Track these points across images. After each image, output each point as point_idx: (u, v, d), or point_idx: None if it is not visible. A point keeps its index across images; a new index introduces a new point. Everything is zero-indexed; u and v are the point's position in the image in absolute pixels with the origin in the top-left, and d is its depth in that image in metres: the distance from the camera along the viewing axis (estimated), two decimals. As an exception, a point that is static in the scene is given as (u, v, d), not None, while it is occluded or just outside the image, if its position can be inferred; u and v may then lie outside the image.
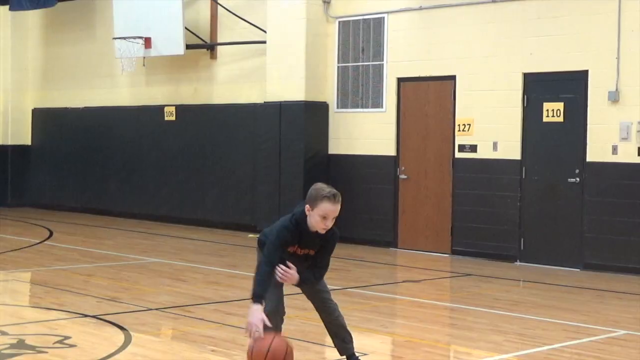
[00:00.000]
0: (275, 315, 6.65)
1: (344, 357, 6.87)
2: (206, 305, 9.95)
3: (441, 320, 9.21)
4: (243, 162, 17.33)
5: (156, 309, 9.64)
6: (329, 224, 6.34)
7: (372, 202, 15.48)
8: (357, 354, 6.85)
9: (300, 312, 9.69)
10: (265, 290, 6.28)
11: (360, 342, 8.17)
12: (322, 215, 6.30)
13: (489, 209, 14.05)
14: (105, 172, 20.19)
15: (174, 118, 18.66)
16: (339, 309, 6.82)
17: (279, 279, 6.42)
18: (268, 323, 6.19)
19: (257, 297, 6.22)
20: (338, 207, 6.35)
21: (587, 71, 13.10)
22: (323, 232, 6.38)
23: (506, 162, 13.91)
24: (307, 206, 6.38)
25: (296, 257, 6.50)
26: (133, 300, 10.13)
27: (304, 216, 6.42)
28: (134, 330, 8.53)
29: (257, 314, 6.16)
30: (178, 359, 7.54)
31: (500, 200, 13.96)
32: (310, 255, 6.53)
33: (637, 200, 12.66)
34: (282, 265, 6.36)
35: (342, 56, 15.94)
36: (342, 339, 6.82)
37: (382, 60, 15.37)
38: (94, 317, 9.14)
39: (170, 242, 15.93)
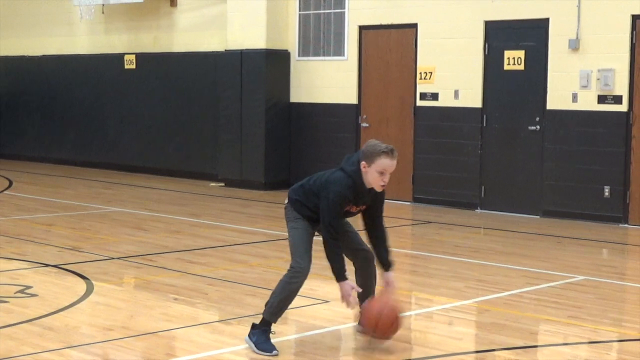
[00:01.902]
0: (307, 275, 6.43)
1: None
2: (168, 254, 9.96)
3: (402, 267, 9.28)
4: (204, 110, 17.24)
5: (118, 258, 9.63)
6: (387, 179, 6.23)
7: (334, 151, 15.48)
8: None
9: (262, 261, 9.74)
10: (343, 264, 6.24)
11: (322, 289, 8.24)
12: (380, 171, 6.17)
13: (450, 157, 14.12)
14: (65, 121, 20.01)
15: (134, 66, 18.49)
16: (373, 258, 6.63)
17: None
18: (358, 289, 6.28)
19: (340, 277, 6.23)
20: (395, 162, 6.24)
21: (548, 19, 13.12)
22: (381, 189, 6.27)
23: (467, 110, 13.95)
24: (363, 163, 6.22)
25: (347, 215, 6.41)
26: (95, 250, 10.11)
27: (359, 173, 6.25)
28: (96, 279, 8.52)
29: (345, 287, 6.22)
30: (140, 307, 7.55)
31: (461, 148, 14.02)
32: (361, 210, 6.43)
33: (596, 148, 12.78)
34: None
35: (304, 4, 15.83)
36: (372, 295, 6.62)
37: (344, 8, 15.30)
38: (55, 266, 9.11)
39: (131, 192, 15.87)
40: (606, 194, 12.72)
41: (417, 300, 8.09)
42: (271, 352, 6.20)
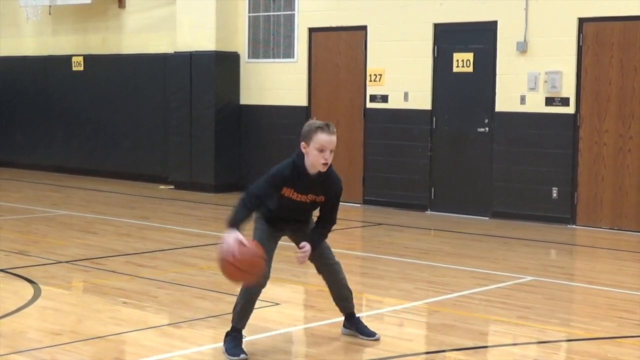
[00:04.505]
0: (265, 281, 6.30)
1: (345, 315, 6.73)
2: (117, 258, 9.87)
3: (353, 269, 9.29)
4: (154, 113, 17.13)
5: (66, 262, 9.53)
6: (328, 157, 6.05)
7: (284, 153, 15.30)
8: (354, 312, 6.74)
9: (212, 263, 9.69)
10: (241, 223, 5.98)
11: (272, 292, 8.21)
12: (318, 148, 6.03)
13: (400, 159, 14.16)
14: (11, 123, 19.76)
15: (82, 68, 18.32)
16: (341, 268, 6.61)
17: (299, 262, 6.32)
18: (245, 242, 5.90)
19: (231, 225, 5.95)
20: (334, 138, 6.08)
21: (496, 22, 13.23)
22: (324, 168, 6.09)
23: (417, 112, 14.01)
24: (302, 144, 6.11)
25: (294, 205, 6.22)
26: (42, 254, 9.99)
27: (301, 156, 6.13)
28: (44, 283, 8.42)
29: (232, 234, 5.89)
30: (89, 311, 7.48)
31: (411, 150, 14.08)
32: (310, 203, 6.25)
33: (544, 149, 12.90)
34: (298, 249, 6.18)
35: (253, 6, 15.80)
36: (345, 299, 6.66)
37: (293, 10, 15.29)
38: (1, 270, 8.99)
39: (80, 195, 15.72)
40: (554, 195, 12.85)
41: (367, 302, 8.10)
42: (238, 356, 6.14)
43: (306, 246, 6.27)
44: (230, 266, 5.91)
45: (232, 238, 5.89)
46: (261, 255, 5.95)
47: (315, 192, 6.22)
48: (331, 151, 6.10)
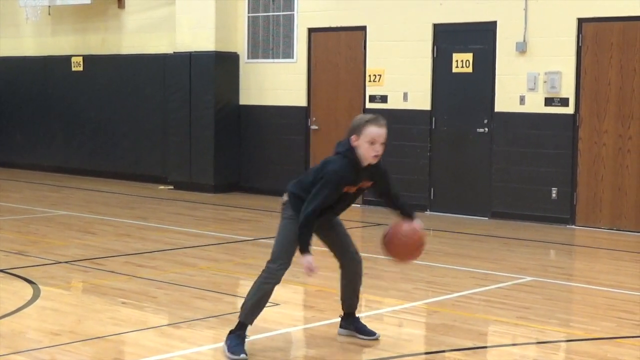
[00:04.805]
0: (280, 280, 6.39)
1: (347, 313, 6.71)
2: (117, 258, 9.87)
3: (352, 269, 9.28)
4: (153, 113, 17.13)
5: (65, 262, 9.53)
6: (379, 149, 6.10)
7: (283, 153, 15.47)
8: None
9: (211, 264, 9.70)
10: (310, 239, 6.13)
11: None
12: (369, 141, 6.07)
13: (400, 160, 14.15)
14: (11, 124, 19.76)
15: (81, 69, 18.32)
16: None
17: (420, 227, 6.36)
18: (314, 265, 6.09)
19: (304, 251, 6.10)
20: (384, 130, 6.13)
21: (495, 22, 13.23)
22: (375, 160, 6.13)
23: (416, 112, 14.01)
24: (352, 137, 6.13)
25: (346, 197, 6.28)
26: (41, 254, 9.99)
27: (352, 150, 6.14)
28: (43, 283, 8.42)
29: (305, 262, 6.08)
30: (88, 311, 7.48)
31: (410, 150, 14.08)
32: (358, 191, 6.30)
33: (543, 150, 12.91)
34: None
35: (253, 6, 15.80)
36: (356, 295, 6.64)
37: (293, 10, 15.29)
38: (1, 271, 8.99)
39: (79, 195, 15.72)
40: (553, 195, 12.85)
41: (367, 303, 8.09)
42: (238, 355, 6.13)
43: (415, 221, 6.46)
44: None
45: (311, 259, 6.10)
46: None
47: (363, 180, 6.29)
48: (382, 144, 6.14)
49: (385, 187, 6.46)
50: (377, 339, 6.62)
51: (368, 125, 6.11)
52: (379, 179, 6.38)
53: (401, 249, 6.45)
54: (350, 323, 6.73)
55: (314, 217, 6.13)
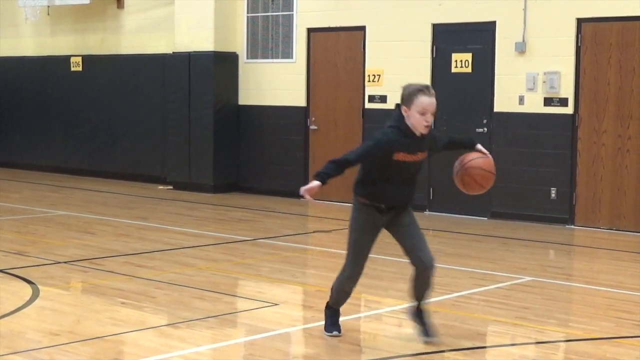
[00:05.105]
0: (357, 281, 6.59)
1: (416, 304, 6.67)
2: (116, 258, 9.87)
3: (351, 269, 9.28)
4: (152, 113, 17.12)
5: (65, 262, 9.53)
6: (430, 119, 6.18)
7: (283, 153, 15.47)
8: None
9: (210, 264, 9.69)
10: (331, 176, 6.20)
11: (271, 292, 8.24)
12: (420, 111, 6.14)
13: (399, 159, 14.14)
14: (10, 124, 19.75)
15: (80, 69, 18.31)
16: (434, 263, 6.54)
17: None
18: (312, 192, 6.18)
19: (318, 176, 6.20)
20: (434, 99, 6.20)
21: (494, 22, 13.23)
22: (426, 130, 6.20)
23: (415, 112, 13.98)
24: (403, 108, 6.19)
25: (406, 168, 6.29)
26: (40, 254, 9.99)
27: (402, 119, 6.21)
28: (42, 283, 8.42)
29: (314, 185, 6.19)
30: (87, 312, 7.47)
31: (410, 150, 14.04)
32: (419, 162, 6.33)
33: (543, 150, 12.91)
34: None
35: (252, 6, 15.80)
36: (425, 291, 6.60)
37: (292, 11, 15.29)
38: (0, 271, 8.98)
39: (78, 195, 15.72)
40: (552, 195, 12.85)
41: (366, 303, 8.09)
42: (331, 332, 6.62)
43: (482, 150, 6.70)
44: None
45: (317, 187, 6.19)
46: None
47: (422, 149, 6.33)
48: (432, 113, 6.21)
49: (441, 145, 6.67)
50: (433, 341, 6.53)
51: (419, 95, 6.18)
52: (433, 145, 6.53)
53: (481, 180, 6.71)
54: (417, 316, 6.68)
55: (346, 162, 6.22)
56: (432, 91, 6.25)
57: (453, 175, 6.61)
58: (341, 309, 6.82)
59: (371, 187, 6.41)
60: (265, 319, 7.31)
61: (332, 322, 6.69)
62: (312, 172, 15.16)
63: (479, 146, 6.71)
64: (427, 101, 6.18)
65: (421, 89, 6.20)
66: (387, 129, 6.25)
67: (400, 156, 6.20)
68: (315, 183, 6.15)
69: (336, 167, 6.21)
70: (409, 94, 6.20)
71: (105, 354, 6.26)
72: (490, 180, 6.69)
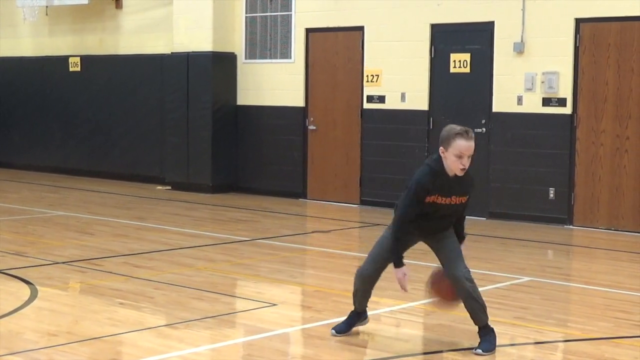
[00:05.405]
0: (370, 281, 6.77)
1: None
2: (114, 258, 9.86)
3: (350, 270, 9.26)
4: (150, 113, 17.12)
5: (63, 263, 9.52)
6: (466, 162, 6.23)
7: (281, 153, 15.46)
8: (489, 326, 6.50)
9: (209, 264, 9.69)
10: (401, 253, 6.44)
11: (269, 293, 8.23)
12: (457, 154, 6.19)
13: (397, 160, 14.16)
14: (8, 124, 19.74)
15: (79, 69, 18.31)
16: (469, 274, 6.49)
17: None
18: (407, 275, 6.46)
19: (397, 265, 6.43)
20: (472, 143, 6.23)
21: (493, 22, 13.23)
22: (461, 173, 6.25)
23: (414, 112, 14.01)
24: (441, 149, 6.25)
25: (437, 210, 6.32)
26: (39, 254, 9.98)
27: (439, 160, 6.27)
28: (40, 284, 8.41)
29: (398, 273, 6.43)
30: (86, 312, 7.47)
31: (408, 150, 14.07)
32: (454, 205, 6.36)
33: (541, 150, 12.91)
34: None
35: (250, 6, 15.80)
36: (471, 309, 6.47)
37: (290, 11, 15.29)
38: (-2, 271, 8.99)
39: (76, 195, 15.71)
40: (551, 195, 12.85)
41: (364, 303, 8.09)
42: (335, 329, 6.73)
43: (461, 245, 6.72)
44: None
45: (401, 273, 6.44)
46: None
47: (456, 192, 6.36)
48: (469, 157, 6.24)
49: (465, 205, 6.59)
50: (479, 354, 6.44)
51: (457, 138, 6.21)
52: (469, 195, 6.53)
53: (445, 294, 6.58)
54: (480, 335, 6.54)
55: (401, 228, 6.33)
56: (472, 134, 6.27)
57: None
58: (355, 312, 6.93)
59: (409, 224, 6.44)
60: (264, 319, 7.30)
61: (343, 322, 6.81)
62: (311, 173, 15.16)
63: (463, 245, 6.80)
64: (465, 144, 6.22)
65: (460, 133, 6.23)
66: (423, 170, 6.33)
67: (431, 199, 6.28)
68: (398, 272, 6.47)
69: (398, 243, 6.43)
70: (448, 136, 6.25)
71: (104, 355, 6.26)
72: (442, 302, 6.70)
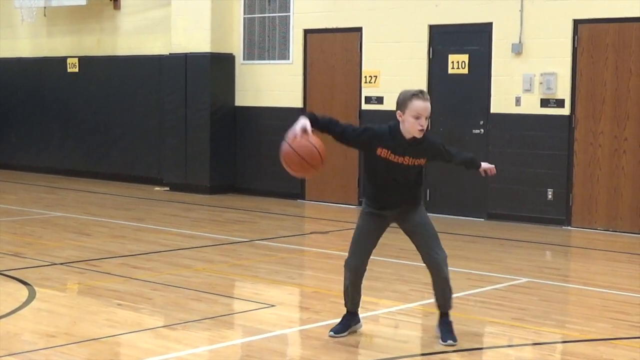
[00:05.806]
0: (357, 271, 6.77)
1: (439, 312, 6.72)
2: (112, 259, 9.86)
3: (348, 270, 9.27)
4: (149, 114, 17.11)
5: (61, 264, 9.52)
6: (424, 123, 6.27)
7: (279, 154, 15.42)
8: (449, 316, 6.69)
9: (207, 265, 9.69)
10: (318, 121, 6.45)
11: (267, 293, 8.23)
12: (414, 115, 6.25)
13: (395, 161, 14.14)
14: (6, 125, 19.74)
15: (77, 70, 18.30)
16: (446, 260, 6.65)
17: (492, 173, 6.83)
18: (309, 129, 6.33)
19: (308, 115, 6.42)
20: (428, 104, 6.30)
21: (491, 23, 13.24)
22: (420, 134, 6.31)
23: (412, 113, 13.98)
24: (398, 112, 6.34)
25: (394, 168, 6.39)
26: (37, 255, 9.98)
27: (396, 123, 6.36)
28: (38, 285, 8.41)
29: (302, 120, 6.35)
30: (84, 313, 7.46)
31: (406, 151, 14.05)
32: (408, 167, 6.42)
33: (539, 151, 12.91)
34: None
35: (249, 7, 15.80)
36: (443, 295, 6.64)
37: (289, 12, 15.29)
38: (-4, 272, 8.98)
39: (74, 196, 15.71)
40: (549, 196, 12.85)
41: (362, 304, 8.08)
42: (331, 331, 6.74)
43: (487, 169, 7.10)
44: (288, 147, 6.46)
45: (300, 124, 6.33)
46: (319, 146, 6.36)
47: (412, 154, 6.40)
48: (426, 118, 6.29)
49: (447, 157, 6.74)
50: (451, 345, 6.52)
51: (413, 99, 6.28)
52: (436, 154, 6.63)
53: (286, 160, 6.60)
54: (439, 324, 6.72)
55: (340, 126, 6.47)
56: (427, 96, 6.34)
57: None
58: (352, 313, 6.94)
59: (370, 191, 6.60)
60: (262, 321, 7.30)
61: (338, 323, 6.82)
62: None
63: (485, 165, 7.07)
64: (422, 105, 6.27)
65: (415, 94, 6.30)
66: (382, 124, 6.47)
67: (383, 152, 6.35)
68: (303, 119, 6.43)
69: (327, 123, 6.54)
70: (404, 99, 6.32)
71: (102, 356, 6.25)
72: (294, 164, 6.61)
